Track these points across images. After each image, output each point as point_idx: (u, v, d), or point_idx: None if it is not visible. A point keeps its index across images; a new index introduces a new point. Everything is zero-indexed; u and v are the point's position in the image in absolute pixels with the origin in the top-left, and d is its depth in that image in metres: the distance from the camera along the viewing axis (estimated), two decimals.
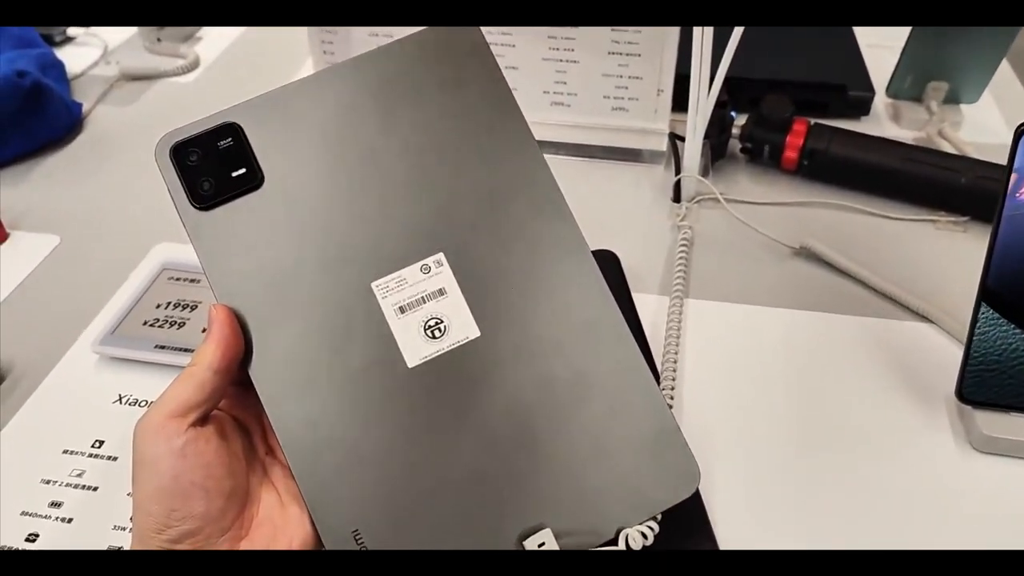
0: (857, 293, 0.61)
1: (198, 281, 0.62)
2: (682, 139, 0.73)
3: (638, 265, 0.62)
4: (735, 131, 0.72)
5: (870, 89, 0.77)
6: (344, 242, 0.37)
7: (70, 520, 0.48)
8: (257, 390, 0.36)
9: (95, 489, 0.50)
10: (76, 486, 0.50)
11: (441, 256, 0.38)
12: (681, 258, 0.62)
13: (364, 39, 0.76)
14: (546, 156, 0.39)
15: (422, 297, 0.37)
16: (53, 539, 0.47)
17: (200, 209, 0.37)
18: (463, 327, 0.37)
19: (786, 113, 0.69)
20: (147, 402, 0.54)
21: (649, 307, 0.59)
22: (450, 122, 0.39)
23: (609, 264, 0.61)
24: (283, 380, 0.36)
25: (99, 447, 0.52)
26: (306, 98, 0.38)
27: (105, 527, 0.47)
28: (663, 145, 0.74)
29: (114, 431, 0.53)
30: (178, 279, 0.62)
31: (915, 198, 0.67)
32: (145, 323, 0.58)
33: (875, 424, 0.51)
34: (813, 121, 0.70)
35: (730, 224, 0.66)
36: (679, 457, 0.37)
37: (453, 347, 0.37)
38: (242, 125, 0.38)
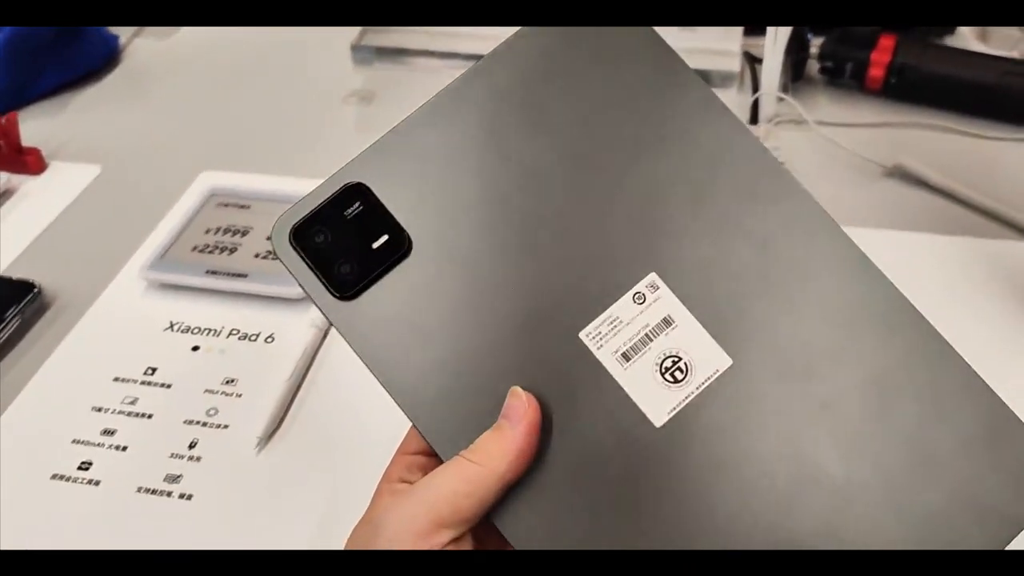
0: (958, 213, 0.56)
1: (248, 207, 0.58)
2: (757, 59, 0.68)
3: None
4: (813, 51, 0.67)
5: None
6: (531, 292, 0.29)
7: (124, 448, 0.45)
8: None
9: (150, 417, 0.46)
10: (129, 414, 0.46)
11: (654, 277, 0.29)
12: None
13: None
14: None
15: (646, 335, 0.29)
16: (107, 467, 0.44)
17: (345, 299, 0.29)
18: (708, 358, 0.29)
19: (875, 26, 0.64)
20: (199, 329, 0.51)
21: None
22: (615, 110, 0.31)
23: None
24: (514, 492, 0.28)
25: (152, 374, 0.48)
26: (431, 130, 0.30)
27: (162, 455, 0.44)
28: (735, 66, 0.69)
29: (167, 358, 0.49)
30: (227, 204, 0.58)
31: (1014, 116, 0.62)
32: (195, 248, 0.55)
33: (998, 349, 0.47)
34: (901, 36, 0.64)
35: (814, 145, 0.62)
36: None
37: (704, 386, 0.28)
38: (367, 183, 0.30)
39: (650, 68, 0.31)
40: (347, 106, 0.70)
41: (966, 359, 0.28)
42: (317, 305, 0.29)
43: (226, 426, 0.45)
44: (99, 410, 0.47)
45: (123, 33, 0.80)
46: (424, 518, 0.26)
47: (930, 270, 0.52)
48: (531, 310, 0.29)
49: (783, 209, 0.30)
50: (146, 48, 0.79)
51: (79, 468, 0.44)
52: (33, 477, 0.43)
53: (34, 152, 0.63)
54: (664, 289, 0.29)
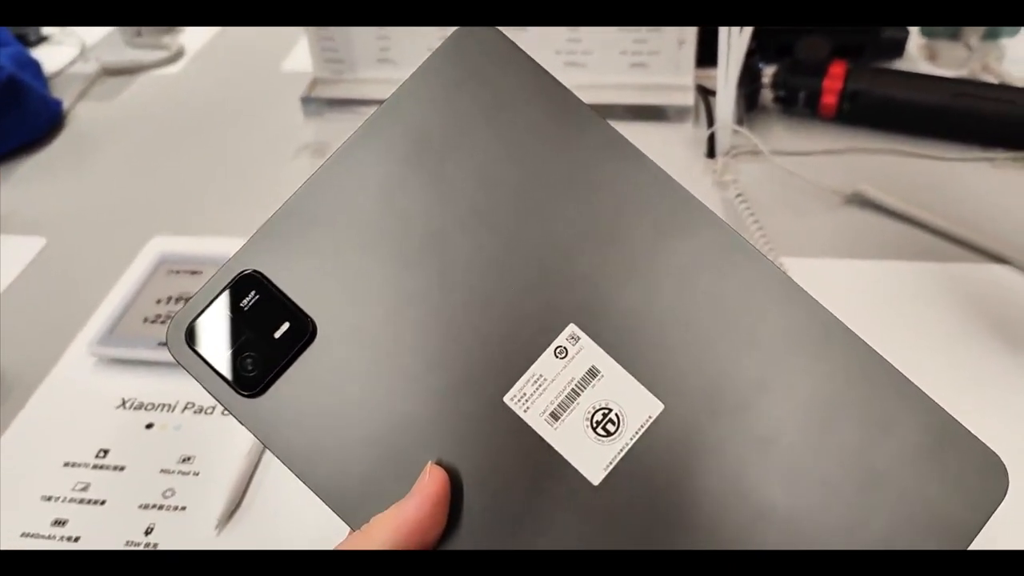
0: (920, 238, 0.56)
1: (200, 272, 0.56)
2: (710, 92, 0.68)
3: None
4: (765, 81, 0.67)
5: (903, 28, 0.72)
6: (446, 362, 0.28)
7: (77, 539, 0.42)
8: None
9: (103, 503, 0.44)
10: (81, 501, 0.44)
11: (573, 328, 0.28)
12: (750, 214, 0.57)
13: (369, 40, 0.71)
14: None
15: (572, 389, 0.28)
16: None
17: (253, 396, 0.27)
18: (639, 406, 0.28)
19: (823, 55, 0.64)
20: (152, 405, 0.49)
21: None
22: (513, 159, 0.29)
23: None
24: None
25: (103, 456, 0.46)
26: (323, 203, 0.29)
27: (116, 545, 0.42)
28: (689, 100, 0.69)
29: (119, 438, 0.47)
30: (178, 271, 0.57)
31: (968, 136, 0.62)
32: (146, 320, 0.53)
33: (962, 375, 0.46)
34: (851, 63, 0.65)
35: (772, 176, 0.62)
36: (970, 453, 0.27)
37: (638, 435, 0.27)
38: (261, 269, 0.28)
39: (546, 111, 0.30)
40: (299, 160, 0.69)
41: (900, 369, 0.27)
42: (223, 404, 0.27)
43: (184, 508, 0.43)
44: (49, 499, 0.44)
45: (66, 97, 0.78)
46: None
47: (892, 297, 0.52)
48: (449, 380, 0.28)
49: (696, 242, 0.29)
50: (91, 111, 0.78)
51: None
52: None
53: None
54: (585, 339, 0.28)
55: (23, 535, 0.43)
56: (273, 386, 0.27)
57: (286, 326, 0.28)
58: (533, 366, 0.28)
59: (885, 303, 0.51)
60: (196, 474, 0.45)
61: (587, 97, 0.32)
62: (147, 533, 0.42)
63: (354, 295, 0.28)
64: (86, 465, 0.46)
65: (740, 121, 0.64)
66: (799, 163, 0.62)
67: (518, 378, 0.28)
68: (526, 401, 0.28)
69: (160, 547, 0.42)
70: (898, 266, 0.54)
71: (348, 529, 0.27)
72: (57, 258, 0.61)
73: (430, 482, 0.26)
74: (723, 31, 0.58)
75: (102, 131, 0.75)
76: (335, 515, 0.27)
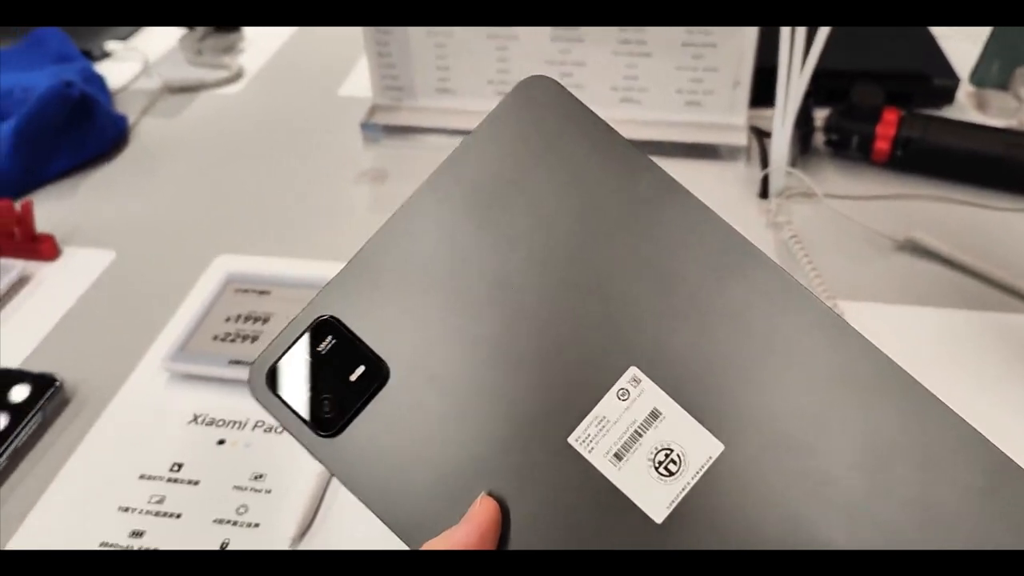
0: (971, 286, 0.57)
1: (268, 292, 0.58)
2: (764, 133, 0.70)
3: None
4: (818, 124, 0.69)
5: (953, 77, 0.74)
6: (513, 403, 0.29)
7: (154, 551, 0.44)
8: None
9: (178, 516, 0.45)
10: (157, 513, 0.46)
11: (635, 371, 0.29)
12: (805, 255, 0.58)
13: (421, 38, 0.73)
14: None
15: (635, 431, 0.29)
16: None
17: (330, 436, 0.29)
18: (700, 446, 0.29)
19: (877, 102, 0.65)
20: (223, 422, 0.50)
21: None
22: (572, 208, 0.31)
23: None
24: None
25: (178, 470, 0.48)
26: (394, 252, 0.31)
27: None
28: (742, 140, 0.70)
29: (192, 453, 0.49)
30: (246, 290, 0.58)
31: (1020, 186, 0.63)
32: (216, 337, 0.54)
33: (1015, 424, 0.47)
34: (903, 109, 0.66)
35: (824, 218, 0.63)
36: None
37: (699, 475, 0.28)
38: (337, 315, 0.30)
39: (602, 159, 0.31)
40: (360, 186, 0.71)
41: (958, 412, 0.28)
42: (302, 444, 0.29)
43: (257, 524, 0.45)
44: (126, 510, 0.46)
45: (130, 113, 0.80)
46: None
47: (944, 344, 0.53)
48: (516, 421, 0.29)
49: (751, 284, 0.30)
50: (154, 127, 0.80)
51: None
52: None
53: (48, 239, 0.63)
54: (647, 382, 0.29)
55: (102, 544, 0.44)
56: (349, 426, 0.29)
57: (361, 369, 0.30)
58: (596, 408, 0.29)
59: (937, 350, 0.52)
60: (268, 491, 0.46)
61: (641, 133, 0.34)
62: (223, 547, 0.44)
63: (424, 340, 0.30)
64: (161, 478, 0.47)
65: (793, 163, 0.66)
66: (852, 207, 0.63)
67: (582, 419, 0.29)
68: (590, 442, 0.29)
69: None
70: (951, 314, 0.55)
71: None
72: (126, 272, 0.63)
73: (481, 511, 0.28)
74: (783, 71, 0.60)
75: (165, 147, 0.77)
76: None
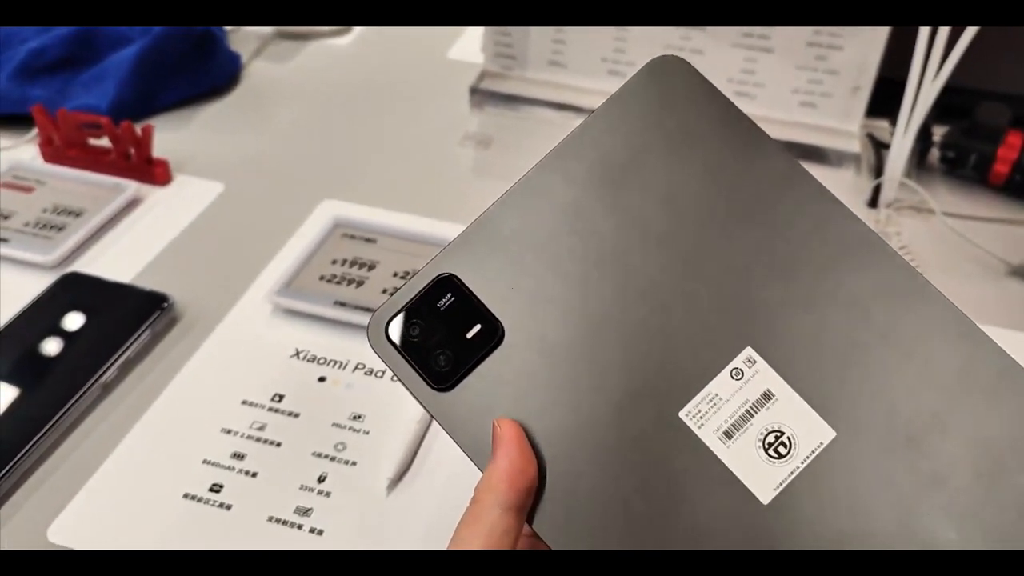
0: None
1: (374, 241, 0.58)
2: (880, 143, 0.68)
3: None
4: (935, 139, 0.67)
5: None
6: (626, 374, 0.29)
7: (255, 474, 0.45)
8: None
9: (278, 445, 0.46)
10: (258, 440, 0.47)
11: (750, 351, 0.29)
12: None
13: (544, 41, 0.73)
14: None
15: (747, 411, 0.29)
16: (238, 492, 0.44)
17: (443, 390, 0.30)
18: (811, 431, 0.28)
19: (1003, 121, 0.64)
20: (325, 360, 0.51)
21: None
22: (694, 182, 0.31)
23: None
24: None
25: (279, 401, 0.49)
26: (515, 216, 0.31)
27: (292, 486, 0.44)
28: (853, 147, 0.69)
29: (293, 386, 0.50)
30: (353, 236, 0.59)
31: None
32: (322, 278, 0.55)
33: None
34: None
35: (935, 234, 0.62)
36: None
37: (808, 460, 0.28)
38: (458, 274, 0.30)
39: (729, 139, 0.31)
40: (464, 148, 0.71)
41: None
42: (415, 396, 0.30)
43: (354, 463, 0.45)
44: (228, 432, 0.47)
45: (243, 53, 0.81)
46: None
47: None
48: (627, 392, 0.29)
49: (875, 274, 0.29)
50: (265, 70, 0.81)
51: (210, 490, 0.44)
52: (165, 495, 0.44)
53: (162, 164, 0.65)
54: (761, 363, 0.29)
55: (204, 462, 0.45)
56: (462, 382, 0.30)
57: (477, 328, 0.30)
58: (709, 385, 0.29)
59: None
60: (367, 432, 0.47)
61: None
62: (320, 480, 0.45)
63: (540, 307, 0.30)
64: (262, 407, 0.48)
65: (908, 175, 0.65)
66: (964, 226, 0.62)
67: (694, 395, 0.29)
68: (701, 418, 0.29)
69: (333, 496, 0.44)
70: None
71: None
72: (234, 204, 0.64)
73: (504, 431, 0.28)
74: (914, 75, 0.59)
75: (276, 90, 0.78)
76: None
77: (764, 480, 0.28)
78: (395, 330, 0.30)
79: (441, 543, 0.41)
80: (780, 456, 0.28)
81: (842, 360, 0.29)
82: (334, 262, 0.57)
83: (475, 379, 0.30)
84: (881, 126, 0.72)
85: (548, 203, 0.31)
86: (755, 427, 0.29)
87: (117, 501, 0.43)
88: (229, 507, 0.43)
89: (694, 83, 0.32)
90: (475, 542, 0.27)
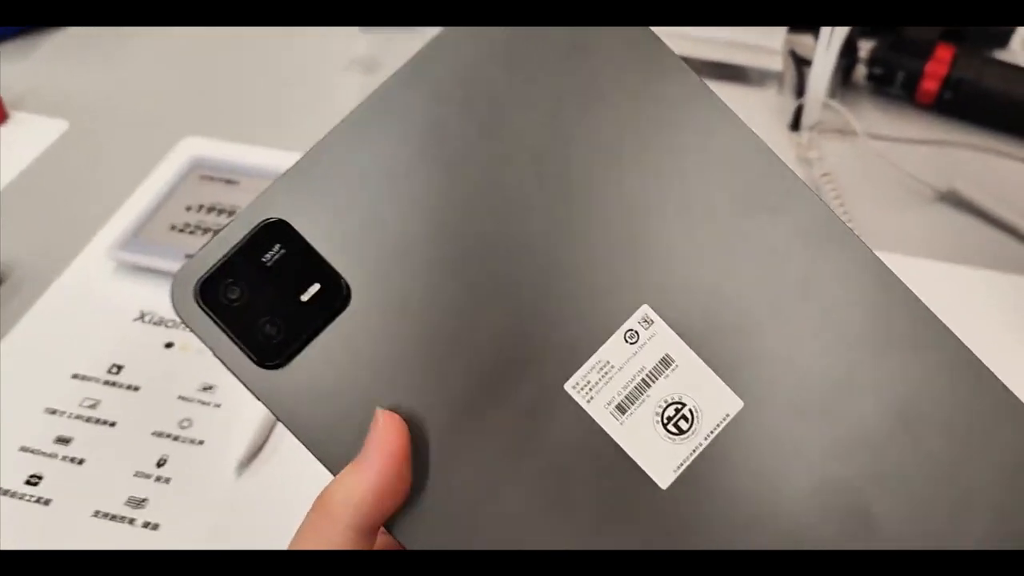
0: (1014, 248, 0.52)
1: (237, 183, 0.52)
2: (803, 60, 0.63)
3: None
4: (861, 55, 0.62)
5: None
6: (500, 340, 0.24)
7: (81, 461, 0.39)
8: None
9: (112, 424, 0.40)
10: (89, 420, 0.40)
11: (647, 310, 0.24)
12: (836, 198, 0.52)
13: None
14: None
15: (643, 380, 0.24)
16: (60, 484, 0.38)
17: (272, 367, 0.23)
18: (716, 402, 0.24)
19: (931, 35, 0.59)
20: (174, 323, 0.45)
21: None
22: (585, 108, 0.25)
23: None
24: None
25: (117, 373, 0.42)
26: (360, 146, 0.24)
27: (125, 473, 0.38)
28: (776, 64, 0.63)
29: (135, 354, 0.43)
30: (212, 178, 0.52)
31: None
32: (173, 228, 0.48)
33: None
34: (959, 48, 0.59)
35: (860, 158, 0.57)
36: None
37: (713, 435, 0.24)
38: (288, 219, 0.24)
39: (628, 56, 0.25)
40: (348, 75, 0.64)
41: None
42: (237, 376, 0.23)
43: (201, 442, 0.40)
44: (53, 413, 0.40)
45: None
46: (342, 520, 0.22)
47: (975, 308, 0.48)
48: (503, 361, 0.24)
49: (789, 219, 0.25)
50: None
51: (27, 483, 0.38)
52: None
53: None
54: (659, 323, 0.24)
55: (22, 449, 0.39)
56: (298, 356, 0.23)
57: (315, 288, 0.23)
58: (599, 351, 0.24)
59: (967, 312, 0.47)
60: (217, 406, 0.41)
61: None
62: (159, 465, 0.39)
63: (394, 257, 0.24)
64: (97, 380, 0.42)
65: (832, 95, 0.59)
66: (891, 149, 0.57)
67: (582, 364, 0.24)
68: (590, 390, 0.24)
69: (173, 482, 0.38)
70: (987, 275, 0.50)
71: None
72: (79, 145, 0.56)
73: (389, 438, 0.22)
74: None
75: None
76: None
77: (663, 460, 0.24)
78: (208, 292, 0.23)
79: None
80: (681, 432, 0.24)
81: (752, 319, 0.25)
82: (188, 208, 0.50)
83: (313, 352, 0.23)
84: (806, 42, 0.66)
85: (401, 128, 0.24)
86: (652, 399, 0.24)
87: None
88: (48, 502, 0.37)
89: None
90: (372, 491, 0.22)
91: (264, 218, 0.23)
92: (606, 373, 0.24)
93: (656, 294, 0.24)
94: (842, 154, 0.58)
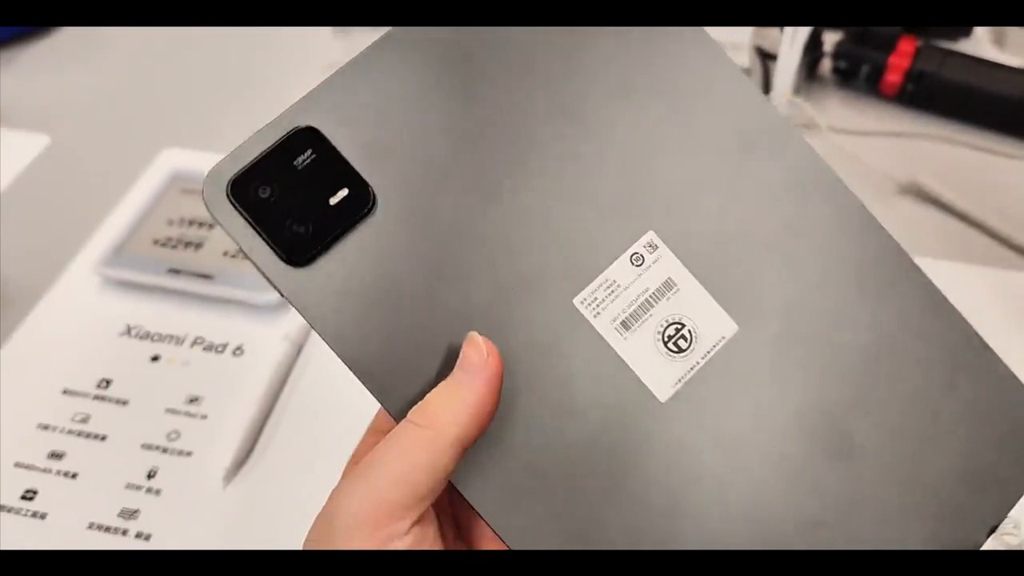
0: (977, 240, 0.53)
1: None
2: (769, 56, 0.64)
3: None
4: (826, 49, 0.63)
5: None
6: (515, 254, 0.26)
7: (74, 475, 0.40)
8: (462, 492, 0.25)
9: (103, 439, 0.42)
10: (80, 434, 0.42)
11: (652, 235, 0.27)
12: None
13: None
14: None
15: (646, 300, 0.26)
16: (54, 498, 0.39)
17: (298, 265, 0.24)
18: (713, 324, 0.26)
19: (894, 29, 0.60)
20: (159, 336, 0.46)
21: None
22: (601, 52, 0.27)
23: None
24: (496, 476, 0.25)
25: (106, 387, 0.44)
26: (392, 63, 0.26)
27: (116, 486, 0.40)
28: (744, 60, 0.65)
29: (123, 369, 0.45)
30: (192, 191, 0.53)
31: None
32: (156, 242, 0.50)
33: None
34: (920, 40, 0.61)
35: (825, 153, 0.58)
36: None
37: (709, 356, 0.26)
38: (319, 127, 0.25)
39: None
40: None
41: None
42: (263, 273, 0.24)
43: (189, 453, 0.41)
44: (46, 428, 0.42)
45: None
46: (377, 508, 0.23)
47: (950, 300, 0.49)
48: (516, 274, 0.26)
49: (786, 163, 0.28)
50: None
51: (23, 498, 0.39)
52: None
53: None
54: (664, 249, 0.27)
55: (17, 465, 0.41)
56: (323, 257, 0.25)
57: (343, 193, 0.25)
58: (607, 271, 0.26)
59: None
60: (204, 417, 0.43)
61: None
62: (149, 477, 0.40)
63: (419, 170, 0.26)
64: (87, 395, 0.43)
65: (797, 91, 0.61)
66: (855, 143, 0.59)
67: (590, 281, 0.26)
68: (597, 306, 0.26)
69: (163, 493, 0.40)
70: (949, 267, 0.51)
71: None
72: (62, 159, 0.57)
73: (492, 362, 0.24)
74: None
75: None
76: (373, 399, 0.25)
77: (662, 376, 0.26)
78: (240, 190, 0.24)
79: (283, 540, 0.38)
80: (680, 350, 0.26)
81: (749, 250, 0.27)
82: (170, 222, 0.51)
83: (338, 253, 0.25)
84: (773, 35, 0.67)
85: (434, 52, 0.26)
86: (655, 318, 0.26)
87: None
88: (44, 516, 0.39)
89: None
90: (419, 472, 0.23)
91: (297, 124, 0.25)
92: (612, 292, 0.26)
93: (662, 222, 0.27)
94: None
